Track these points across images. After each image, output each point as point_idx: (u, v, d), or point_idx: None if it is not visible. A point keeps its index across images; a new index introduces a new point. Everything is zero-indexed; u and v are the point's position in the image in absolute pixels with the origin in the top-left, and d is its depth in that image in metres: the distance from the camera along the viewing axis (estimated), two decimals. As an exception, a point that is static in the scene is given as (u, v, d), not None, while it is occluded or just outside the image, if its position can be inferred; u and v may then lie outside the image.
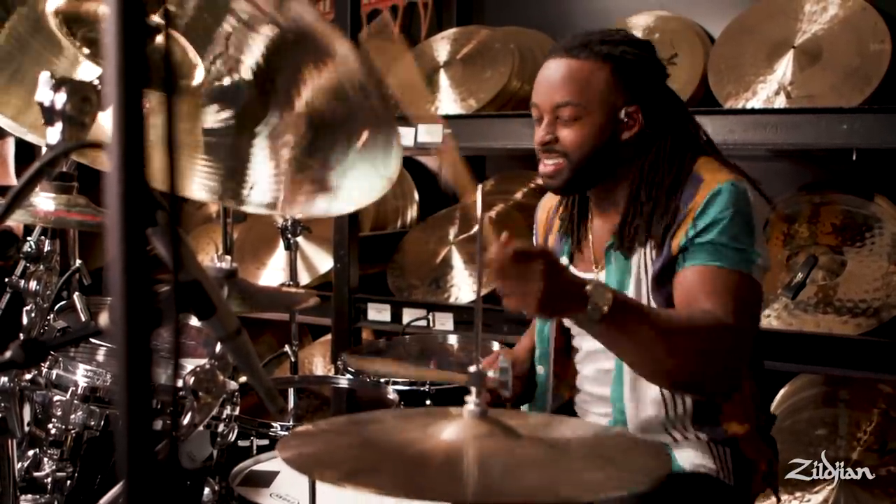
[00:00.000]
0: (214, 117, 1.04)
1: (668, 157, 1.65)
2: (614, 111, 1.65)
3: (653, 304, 1.61)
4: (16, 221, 2.06)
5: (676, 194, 1.61)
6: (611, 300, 1.34)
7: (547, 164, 1.69)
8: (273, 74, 1.01)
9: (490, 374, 1.01)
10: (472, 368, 0.95)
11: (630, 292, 1.64)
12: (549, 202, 1.97)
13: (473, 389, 0.94)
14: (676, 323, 1.46)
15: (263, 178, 1.07)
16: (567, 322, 1.82)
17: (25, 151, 3.35)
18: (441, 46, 3.49)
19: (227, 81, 1.01)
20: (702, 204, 1.56)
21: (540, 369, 1.88)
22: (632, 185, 1.67)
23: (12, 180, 3.13)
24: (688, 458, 1.68)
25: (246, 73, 1.01)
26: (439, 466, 0.85)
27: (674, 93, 1.76)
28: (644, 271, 1.64)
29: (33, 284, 1.74)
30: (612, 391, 1.71)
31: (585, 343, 1.78)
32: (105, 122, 0.85)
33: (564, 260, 1.80)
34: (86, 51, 0.98)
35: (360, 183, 1.09)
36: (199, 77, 1.02)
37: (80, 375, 1.68)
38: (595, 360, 1.77)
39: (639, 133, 1.66)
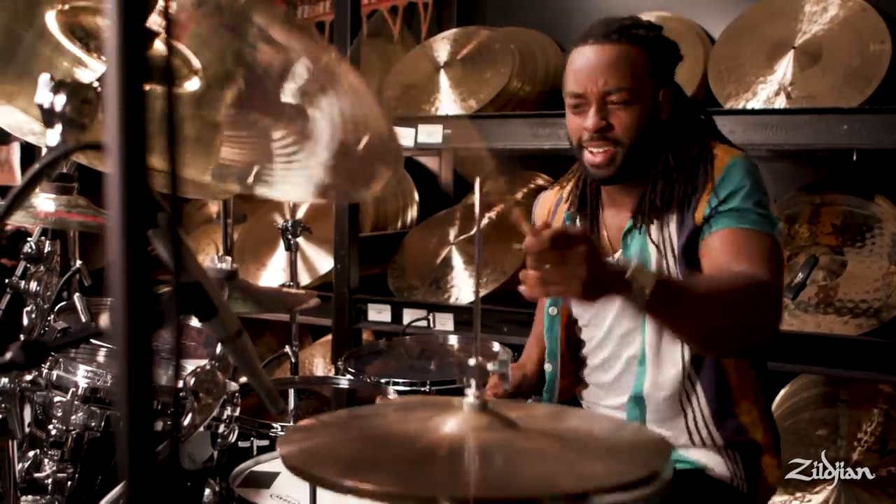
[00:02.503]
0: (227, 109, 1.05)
1: (692, 133, 1.71)
2: (655, 94, 1.68)
3: (679, 277, 1.64)
4: (16, 223, 2.06)
5: (698, 169, 1.66)
6: (653, 282, 1.31)
7: (597, 153, 1.67)
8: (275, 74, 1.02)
9: (489, 366, 1.01)
10: (472, 361, 0.95)
11: (653, 268, 1.65)
12: (548, 200, 1.97)
13: (473, 382, 0.94)
14: (717, 287, 1.47)
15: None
16: (576, 311, 1.82)
17: (29, 155, 3.36)
18: (441, 47, 3.49)
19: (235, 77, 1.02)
20: (720, 175, 1.61)
21: (548, 366, 1.88)
22: (659, 161, 1.69)
23: (17, 183, 3.14)
24: (702, 457, 1.69)
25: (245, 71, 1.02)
26: (440, 460, 0.85)
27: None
28: (667, 245, 1.66)
29: (34, 285, 1.75)
30: (636, 377, 1.72)
31: (596, 336, 1.79)
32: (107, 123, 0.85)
33: None
34: (88, 54, 0.98)
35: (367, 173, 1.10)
36: (197, 83, 1.02)
37: (81, 376, 1.68)
38: (604, 353, 1.79)
39: (671, 116, 1.71)
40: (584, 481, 0.80)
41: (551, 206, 1.94)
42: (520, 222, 1.30)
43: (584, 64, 1.68)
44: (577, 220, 1.83)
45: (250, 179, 1.07)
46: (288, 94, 1.02)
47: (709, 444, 1.69)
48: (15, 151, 3.37)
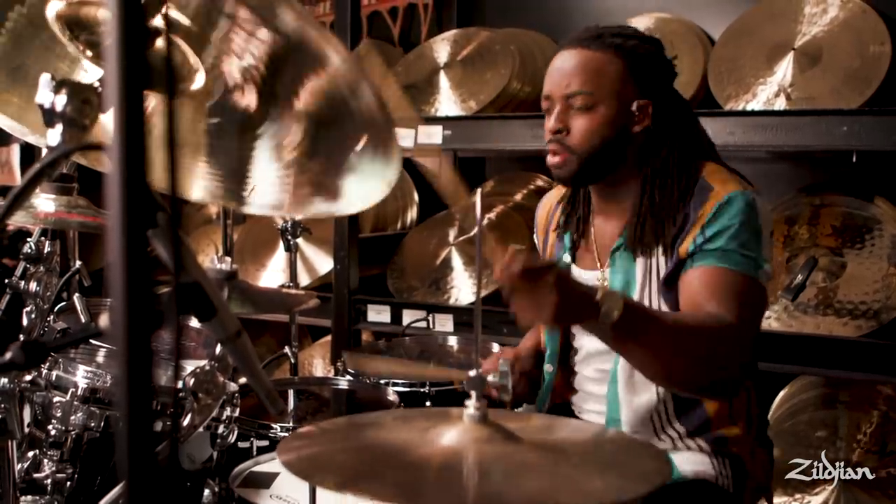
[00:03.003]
0: (215, 119, 1.05)
1: (678, 161, 1.66)
2: (626, 103, 1.65)
3: (663, 307, 1.62)
4: (18, 223, 2.06)
5: (686, 200, 1.62)
6: (621, 306, 1.33)
7: (553, 156, 1.68)
8: (271, 79, 1.01)
9: (490, 378, 1.01)
10: (472, 372, 0.95)
11: (636, 294, 1.65)
12: (549, 201, 1.97)
13: (473, 393, 0.93)
14: (683, 325, 1.47)
15: (264, 181, 1.07)
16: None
17: (29, 156, 3.37)
18: (441, 48, 3.49)
19: (225, 85, 1.02)
20: (711, 212, 1.57)
21: (549, 367, 1.88)
22: (642, 186, 1.67)
23: (17, 184, 3.16)
24: (687, 463, 1.68)
25: (244, 76, 1.01)
26: (439, 472, 0.85)
27: (680, 94, 1.76)
28: (652, 275, 1.65)
29: (33, 286, 1.75)
30: (608, 391, 1.71)
31: (586, 344, 1.79)
32: (107, 124, 0.85)
33: (567, 258, 1.80)
34: (88, 53, 0.98)
35: (361, 186, 1.09)
36: (199, 81, 1.02)
37: (80, 377, 1.68)
38: (594, 362, 1.78)
39: (648, 129, 1.67)
40: (583, 497, 0.80)
41: (551, 206, 1.94)
42: (492, 253, 1.32)
43: (555, 67, 1.69)
44: (567, 224, 1.83)
45: (246, 194, 1.07)
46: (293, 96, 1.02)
47: (693, 448, 1.69)
48: (15, 153, 3.38)
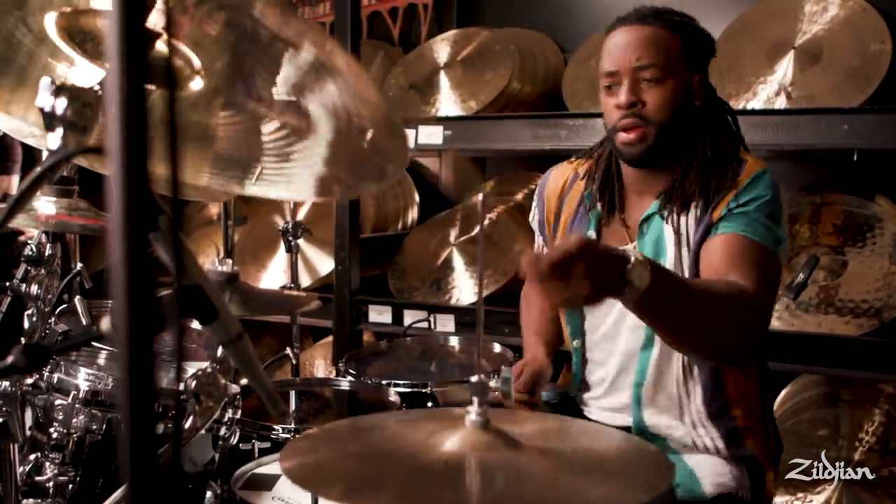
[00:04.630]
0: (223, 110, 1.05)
1: (728, 131, 1.74)
2: (688, 78, 1.70)
3: (688, 270, 1.65)
4: (17, 225, 2.06)
5: (729, 168, 1.67)
6: (648, 278, 1.31)
7: (630, 132, 1.68)
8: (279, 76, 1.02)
9: (492, 383, 1.00)
10: (474, 378, 0.95)
11: (667, 261, 1.66)
12: (561, 173, 1.94)
13: (476, 399, 0.93)
14: (709, 293, 1.47)
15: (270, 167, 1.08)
16: None
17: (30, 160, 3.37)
18: (441, 48, 3.49)
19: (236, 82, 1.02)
20: (746, 182, 1.63)
21: (576, 342, 1.86)
22: (695, 143, 1.71)
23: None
24: (708, 471, 1.68)
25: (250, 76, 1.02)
26: (441, 479, 0.84)
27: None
28: (685, 236, 1.67)
29: (34, 288, 1.74)
30: (639, 362, 1.72)
31: (602, 324, 1.79)
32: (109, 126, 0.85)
33: (591, 234, 1.79)
34: (90, 59, 0.98)
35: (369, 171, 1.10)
36: (199, 83, 1.02)
37: (82, 379, 1.68)
38: (607, 342, 1.79)
39: (703, 104, 1.73)
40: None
41: (567, 180, 1.92)
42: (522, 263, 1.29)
43: (618, 43, 1.70)
44: (597, 200, 1.81)
45: (252, 179, 1.07)
46: (287, 87, 1.02)
47: (711, 450, 1.68)
48: (14, 182, 3.39)
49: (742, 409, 1.70)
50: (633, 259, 1.30)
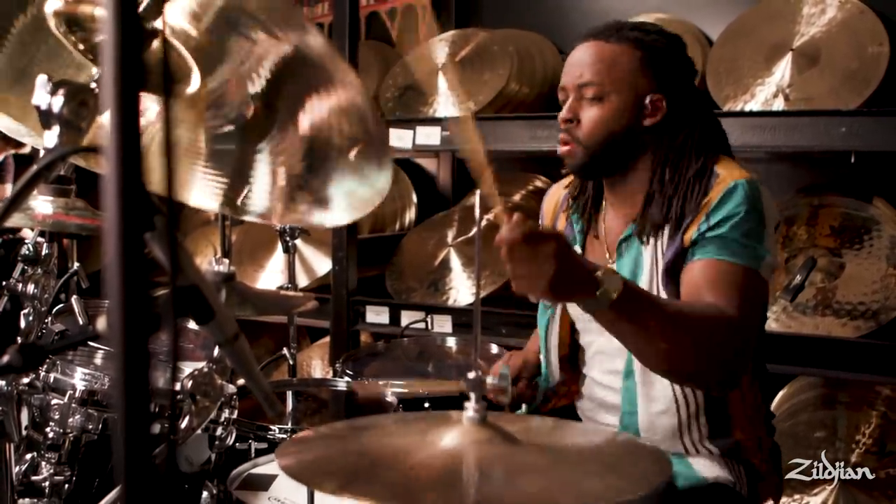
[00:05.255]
0: (219, 127, 1.04)
1: (694, 146, 1.66)
2: (639, 96, 1.65)
3: (663, 295, 1.61)
4: (14, 224, 2.06)
5: (695, 187, 1.61)
6: (621, 287, 1.32)
7: (562, 148, 1.69)
8: (278, 93, 1.01)
9: (489, 380, 1.00)
10: (471, 374, 0.95)
11: (643, 283, 1.64)
12: (557, 192, 1.96)
13: (472, 396, 0.93)
14: (683, 314, 1.46)
15: (259, 189, 1.07)
16: (573, 313, 1.81)
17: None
18: (439, 49, 3.49)
19: (234, 96, 1.02)
20: (716, 199, 1.56)
21: (541, 357, 1.87)
22: (654, 167, 1.67)
23: None
24: (706, 468, 1.67)
25: (253, 89, 1.01)
26: (438, 475, 0.85)
27: (702, 93, 1.77)
28: (658, 263, 1.64)
29: (31, 288, 1.74)
30: (623, 391, 1.69)
31: (595, 342, 1.78)
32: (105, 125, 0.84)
33: (577, 249, 1.79)
34: (85, 53, 0.98)
35: (353, 196, 1.09)
36: (195, 83, 1.02)
37: (78, 379, 1.68)
38: (603, 361, 1.76)
39: (661, 123, 1.66)
40: (582, 498, 0.80)
41: (558, 200, 1.93)
42: (499, 217, 1.29)
43: (572, 58, 1.70)
44: (577, 217, 1.82)
45: (239, 202, 1.06)
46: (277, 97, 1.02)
47: (705, 453, 1.68)
48: (7, 191, 3.39)
49: (743, 428, 1.68)
50: (606, 268, 1.32)
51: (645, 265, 1.66)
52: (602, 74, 1.64)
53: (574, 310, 1.79)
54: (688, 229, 1.58)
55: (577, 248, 1.79)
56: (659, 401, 1.65)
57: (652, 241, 1.65)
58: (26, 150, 3.25)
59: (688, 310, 1.48)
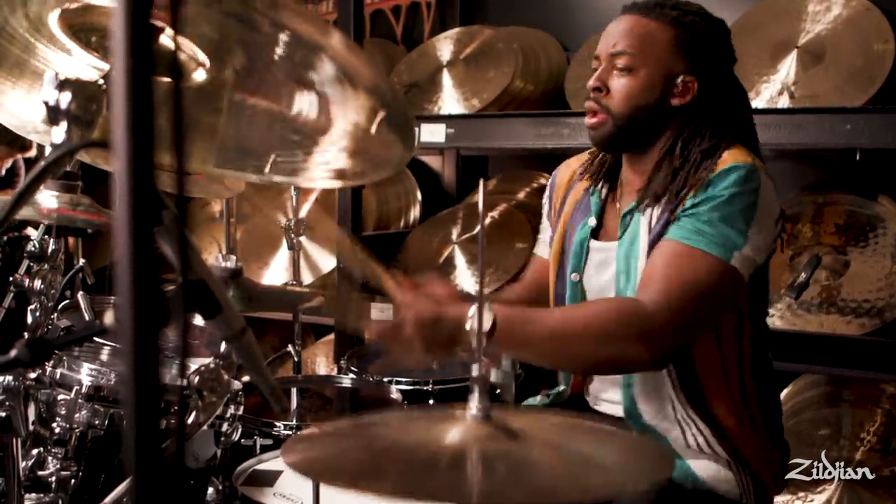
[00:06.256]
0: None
1: (711, 128, 1.64)
2: (669, 74, 1.64)
3: None
4: (21, 217, 2.07)
5: (701, 163, 1.60)
6: (491, 325, 1.39)
7: (590, 116, 1.68)
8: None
9: (492, 377, 1.01)
10: (475, 371, 0.95)
11: (639, 254, 1.63)
12: (573, 164, 1.93)
13: (476, 391, 0.93)
14: (568, 320, 1.52)
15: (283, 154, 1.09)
16: (589, 287, 1.77)
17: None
18: (444, 46, 3.49)
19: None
20: (711, 177, 1.55)
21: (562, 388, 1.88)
22: (669, 141, 1.66)
23: None
24: (710, 474, 1.66)
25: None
26: (443, 470, 0.85)
27: (740, 84, 1.76)
28: (649, 233, 1.63)
29: (38, 283, 1.75)
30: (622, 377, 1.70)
31: None
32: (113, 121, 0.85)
33: (592, 221, 1.77)
34: (94, 54, 0.98)
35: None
36: (202, 75, 1.02)
37: (85, 374, 1.68)
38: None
39: (689, 105, 1.65)
40: (586, 492, 0.80)
41: (574, 172, 1.90)
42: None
43: (608, 29, 1.69)
44: (594, 194, 1.80)
45: (267, 168, 1.08)
46: (298, 77, 1.02)
47: (708, 453, 1.67)
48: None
49: (725, 406, 1.65)
50: (472, 311, 1.37)
51: (641, 236, 1.64)
52: (635, 47, 1.63)
53: (589, 284, 1.77)
54: (680, 204, 1.57)
55: (593, 221, 1.78)
56: (655, 382, 1.65)
57: (648, 211, 1.64)
58: (32, 153, 3.27)
59: (575, 313, 1.57)
